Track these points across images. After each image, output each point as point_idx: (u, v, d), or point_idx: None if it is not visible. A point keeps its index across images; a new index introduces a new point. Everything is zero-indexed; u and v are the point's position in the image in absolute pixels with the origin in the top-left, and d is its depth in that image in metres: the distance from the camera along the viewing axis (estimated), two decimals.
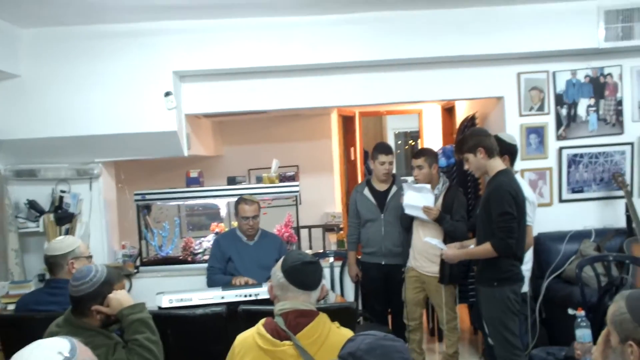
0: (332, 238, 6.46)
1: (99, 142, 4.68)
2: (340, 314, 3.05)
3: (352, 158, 7.83)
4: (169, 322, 3.23)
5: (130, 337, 2.47)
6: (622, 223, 4.79)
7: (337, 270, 5.02)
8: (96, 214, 4.96)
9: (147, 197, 5.05)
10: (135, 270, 4.95)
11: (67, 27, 4.50)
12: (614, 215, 4.97)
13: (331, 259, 5.05)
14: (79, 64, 4.53)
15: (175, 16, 4.45)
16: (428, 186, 4.28)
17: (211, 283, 4.26)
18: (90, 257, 3.40)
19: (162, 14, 4.37)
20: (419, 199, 4.27)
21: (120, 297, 2.51)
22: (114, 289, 2.52)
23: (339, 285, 5.01)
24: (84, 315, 2.48)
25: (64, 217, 4.73)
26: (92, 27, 4.51)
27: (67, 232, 4.69)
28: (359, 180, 7.29)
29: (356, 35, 4.67)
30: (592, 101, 4.93)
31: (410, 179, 4.73)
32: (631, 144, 4.96)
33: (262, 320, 2.29)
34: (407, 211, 4.38)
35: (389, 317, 4.91)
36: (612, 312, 1.76)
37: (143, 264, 5.06)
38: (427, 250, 4.31)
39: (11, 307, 3.89)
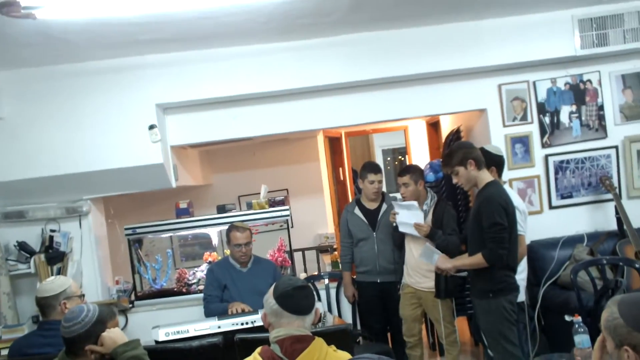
0: (327, 259, 6.44)
1: (86, 179, 4.66)
2: (337, 336, 3.05)
3: (342, 178, 7.84)
4: (166, 356, 3.21)
5: None
6: (613, 226, 4.82)
7: (333, 292, 5.00)
8: (87, 251, 4.93)
9: (138, 230, 5.02)
10: (131, 305, 4.91)
11: (48, 67, 4.50)
12: (604, 219, 4.99)
13: (326, 281, 5.04)
14: (62, 103, 4.53)
15: (155, 50, 4.47)
16: (415, 203, 4.29)
17: (209, 312, 4.23)
18: (82, 296, 3.37)
19: (141, 48, 4.39)
20: (409, 216, 4.28)
21: (113, 335, 2.49)
22: (107, 327, 2.50)
23: (336, 306, 4.99)
24: (78, 355, 2.45)
25: (55, 257, 4.69)
26: (72, 66, 4.51)
27: (59, 272, 4.65)
28: (350, 200, 7.29)
29: (337, 58, 4.70)
30: (574, 108, 4.99)
31: (398, 195, 4.74)
32: (615, 147, 5.01)
33: (259, 349, 2.27)
34: (401, 229, 4.39)
35: (388, 334, 4.89)
36: (605, 318, 1.76)
37: (138, 298, 5.02)
38: (421, 266, 4.31)
39: (5, 352, 3.83)
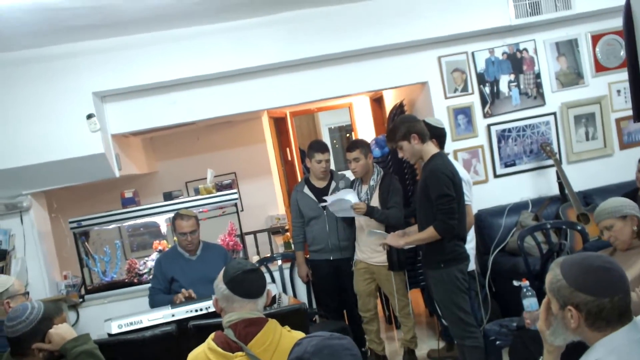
0: (279, 240, 6.42)
1: (25, 173, 4.51)
2: (292, 317, 3.05)
3: (289, 158, 7.82)
4: (118, 349, 3.15)
5: None
6: (555, 191, 4.96)
7: (286, 272, 5.00)
8: (31, 248, 4.77)
9: (83, 223, 4.90)
10: (81, 300, 4.81)
11: None
12: (547, 184, 5.13)
13: (279, 262, 5.03)
14: None
15: (88, 36, 4.33)
16: (344, 190, 4.31)
17: (153, 304, 4.17)
18: (27, 293, 3.27)
19: (73, 35, 4.24)
20: (343, 203, 4.29)
21: (61, 332, 2.42)
22: (54, 324, 2.43)
23: (291, 286, 4.99)
24: (24, 355, 2.38)
25: None
26: (1, 55, 4.32)
27: (2, 271, 4.50)
28: (299, 180, 7.28)
29: (276, 37, 4.66)
30: (512, 77, 5.08)
31: (347, 172, 4.75)
32: (553, 113, 5.14)
33: (212, 335, 2.25)
34: (340, 215, 4.42)
35: (344, 311, 4.93)
36: (549, 280, 1.80)
37: (88, 292, 4.91)
38: (372, 240, 4.34)
39: None
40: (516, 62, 5.07)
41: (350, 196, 4.27)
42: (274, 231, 7.09)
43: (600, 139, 5.19)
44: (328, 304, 4.76)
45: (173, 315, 3.62)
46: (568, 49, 5.11)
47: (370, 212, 4.21)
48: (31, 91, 4.39)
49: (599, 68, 5.15)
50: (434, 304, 4.17)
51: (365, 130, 7.89)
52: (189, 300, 3.91)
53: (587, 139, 5.18)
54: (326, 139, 10.67)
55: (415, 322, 4.61)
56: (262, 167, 7.58)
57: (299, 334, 2.23)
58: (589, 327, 1.71)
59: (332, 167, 4.90)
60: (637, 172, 4.14)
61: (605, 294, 1.68)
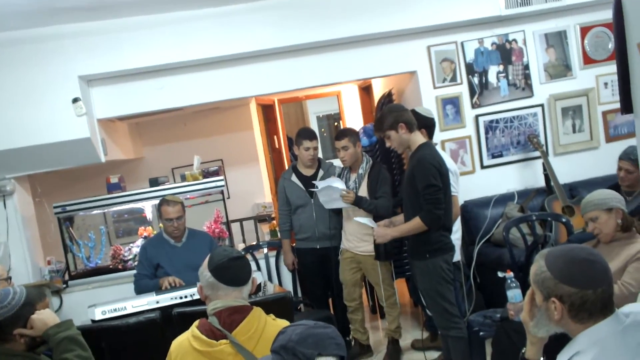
0: (265, 228, 6.42)
1: (8, 156, 4.45)
2: (277, 305, 3.05)
3: (277, 146, 7.79)
4: (102, 335, 3.14)
5: (59, 357, 2.36)
6: (541, 182, 4.97)
7: (272, 260, 4.99)
8: (15, 233, 4.73)
9: (68, 208, 4.86)
10: (64, 285, 4.78)
11: None
12: (533, 176, 5.15)
13: (265, 250, 5.02)
14: None
15: (74, 19, 4.27)
16: (332, 178, 4.30)
17: (139, 290, 4.14)
18: (9, 279, 3.25)
19: (59, 17, 4.17)
20: (332, 192, 4.28)
21: (44, 317, 2.40)
22: (36, 309, 2.40)
23: (276, 274, 4.99)
24: (6, 341, 2.35)
25: None
26: None
27: None
28: (286, 167, 7.26)
29: (266, 23, 4.62)
30: (501, 67, 5.08)
31: (335, 161, 4.74)
32: (541, 105, 5.15)
33: (196, 322, 2.24)
34: (328, 206, 4.40)
35: (329, 300, 4.94)
36: (534, 272, 1.81)
37: (72, 277, 4.89)
38: (359, 230, 4.34)
39: None
40: (505, 52, 5.07)
41: (338, 183, 4.26)
42: (260, 219, 7.08)
43: (587, 132, 5.21)
44: (313, 293, 4.76)
45: (157, 302, 3.61)
46: (557, 40, 5.11)
47: (358, 201, 4.20)
48: (16, 73, 4.33)
49: (587, 60, 5.15)
50: (419, 294, 4.18)
51: (354, 119, 7.88)
52: (174, 287, 3.89)
53: (574, 132, 5.20)
54: (314, 127, 10.63)
55: (400, 312, 4.62)
56: (249, 154, 7.55)
57: (284, 322, 2.23)
58: (572, 318, 1.72)
59: (320, 155, 4.88)
60: (617, 170, 4.14)
61: (589, 286, 1.69)
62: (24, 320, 2.37)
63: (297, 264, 4.79)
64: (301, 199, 4.64)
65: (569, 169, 5.06)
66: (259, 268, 4.89)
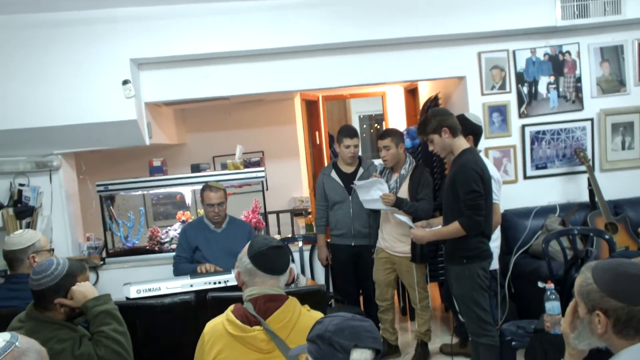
0: (301, 222, 6.44)
1: (57, 133, 4.56)
2: (311, 297, 3.05)
3: (318, 142, 7.80)
4: (137, 312, 3.17)
5: (96, 330, 2.41)
6: (585, 197, 4.88)
7: (306, 254, 5.01)
8: (58, 207, 4.85)
9: (110, 187, 4.94)
10: (102, 262, 4.87)
11: (16, 16, 4.34)
12: (577, 190, 5.05)
13: (300, 243, 5.04)
14: (32, 54, 4.39)
15: (128, 3, 4.35)
16: (376, 178, 4.28)
17: (177, 272, 4.21)
18: (51, 250, 3.32)
19: (113, 0, 4.25)
20: (372, 193, 4.26)
21: (84, 289, 2.46)
22: (77, 281, 2.46)
23: (309, 268, 5.00)
24: (47, 309, 2.42)
25: (23, 211, 4.61)
26: (41, 15, 4.36)
27: (28, 226, 4.57)
28: (325, 164, 7.27)
29: (317, 18, 4.63)
30: (552, 79, 4.99)
31: (377, 161, 4.73)
32: (591, 119, 5.05)
33: (231, 307, 2.26)
34: (367, 206, 4.39)
35: (361, 298, 4.93)
36: (579, 284, 1.77)
37: (109, 255, 4.97)
38: (397, 230, 4.32)
39: None
40: (557, 64, 4.98)
41: (381, 186, 4.24)
42: (296, 213, 7.11)
43: (637, 149, 5.09)
44: (345, 289, 4.76)
45: (191, 286, 3.64)
46: (612, 55, 5.00)
47: (399, 203, 4.18)
48: (70, 53, 4.43)
49: None
50: (451, 299, 4.14)
51: (397, 121, 7.83)
52: (214, 272, 3.93)
53: (623, 148, 5.08)
54: (355, 126, 10.61)
55: (431, 315, 4.59)
56: (290, 148, 7.59)
57: (318, 314, 2.23)
58: (617, 334, 1.68)
59: (360, 153, 4.87)
60: None
61: (637, 302, 1.64)
62: (64, 290, 2.43)
63: (330, 260, 4.80)
64: (339, 195, 4.64)
65: (615, 186, 4.95)
66: (293, 260, 4.91)
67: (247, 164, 5.14)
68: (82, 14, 4.41)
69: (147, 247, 5.02)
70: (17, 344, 1.52)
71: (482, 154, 4.27)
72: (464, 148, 3.61)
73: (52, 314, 2.42)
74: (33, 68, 4.41)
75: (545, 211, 4.83)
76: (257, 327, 2.15)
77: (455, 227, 3.51)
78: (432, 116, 3.67)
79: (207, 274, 3.85)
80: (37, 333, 2.21)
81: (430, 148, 3.71)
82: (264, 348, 2.13)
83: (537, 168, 5.07)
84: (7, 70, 4.39)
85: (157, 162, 5.15)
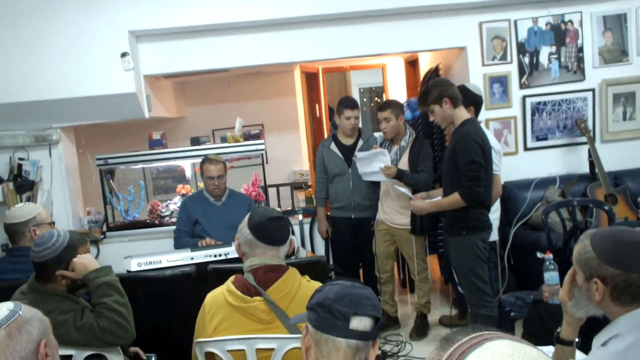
0: (301, 196, 6.45)
1: (56, 106, 4.54)
2: (311, 268, 3.06)
3: (318, 115, 7.78)
4: (138, 284, 3.20)
5: (97, 301, 2.43)
6: (585, 169, 4.87)
7: (306, 227, 5.03)
8: (58, 181, 4.85)
9: (110, 161, 4.93)
10: (102, 236, 4.89)
11: None
12: (577, 161, 5.04)
13: (300, 216, 5.05)
14: (28, 25, 4.35)
15: None
16: (378, 149, 4.26)
17: (178, 246, 4.22)
18: (52, 223, 3.34)
19: None
20: (372, 165, 4.25)
21: (85, 261, 2.46)
22: (78, 253, 2.47)
23: (309, 241, 5.02)
24: (48, 281, 2.43)
25: (24, 185, 4.61)
26: None
27: (29, 201, 4.58)
28: (326, 137, 7.25)
29: None
30: (554, 49, 4.95)
31: (377, 134, 4.71)
32: (592, 90, 5.01)
33: (232, 278, 2.27)
34: (366, 179, 4.38)
35: (361, 270, 4.95)
36: (577, 251, 1.77)
37: (109, 229, 4.99)
38: (396, 202, 4.33)
39: None
40: (559, 33, 4.93)
41: (383, 157, 4.22)
42: (296, 186, 7.11)
43: (638, 120, 5.06)
44: (345, 262, 4.78)
45: (192, 259, 3.66)
46: (615, 24, 4.95)
47: (400, 175, 4.17)
48: (68, 23, 4.39)
49: None
50: (451, 271, 4.17)
51: (397, 93, 7.80)
52: (215, 245, 3.95)
53: (625, 119, 5.06)
54: (356, 99, 10.56)
55: (430, 288, 4.62)
56: (290, 121, 7.56)
57: (318, 284, 2.23)
58: (614, 301, 1.69)
59: (360, 126, 4.85)
60: None
61: (634, 269, 1.65)
62: (66, 262, 2.44)
63: (330, 233, 4.81)
64: (339, 167, 4.63)
65: (616, 157, 4.94)
66: (293, 233, 4.91)
67: (247, 137, 5.12)
68: None
69: (148, 221, 5.04)
70: (20, 312, 1.53)
71: (482, 125, 4.26)
72: (465, 119, 3.59)
73: (53, 285, 2.43)
74: (30, 40, 4.37)
75: (545, 183, 4.83)
76: (258, 298, 2.16)
77: (455, 198, 3.50)
78: (433, 86, 3.64)
79: (207, 247, 3.86)
80: (39, 305, 2.19)
81: (431, 118, 3.69)
82: (264, 318, 2.14)
83: (538, 139, 5.05)
84: (3, 43, 4.35)
85: (156, 136, 5.14)
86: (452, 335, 0.96)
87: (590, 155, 4.73)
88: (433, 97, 3.58)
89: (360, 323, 1.50)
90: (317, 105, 7.72)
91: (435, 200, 3.80)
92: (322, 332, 1.51)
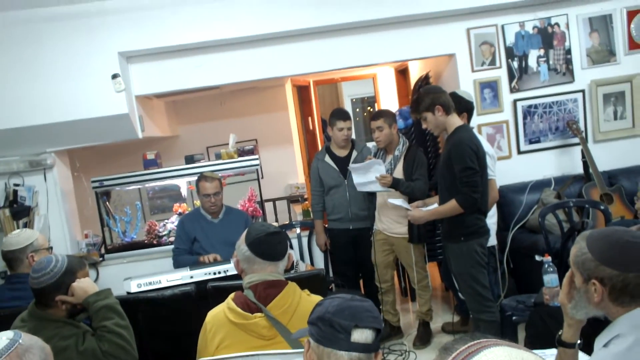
0: (297, 209, 6.45)
1: (49, 131, 4.54)
2: (311, 282, 3.07)
3: (311, 128, 7.80)
4: (139, 306, 3.19)
5: (98, 325, 2.42)
6: (579, 169, 4.89)
7: (304, 240, 5.02)
8: (54, 205, 4.84)
9: (105, 183, 4.93)
10: (101, 259, 4.87)
11: (1, 13, 4.30)
12: (571, 163, 5.06)
13: (298, 230, 5.05)
14: (18, 52, 4.36)
15: None
16: (373, 159, 4.27)
17: (177, 264, 4.21)
18: (50, 248, 3.33)
19: None
20: (367, 175, 4.26)
21: (84, 285, 2.46)
22: (77, 277, 2.47)
23: (308, 255, 5.01)
24: (48, 307, 2.42)
25: (20, 211, 4.60)
26: (29, 11, 4.33)
27: (26, 226, 4.57)
28: (320, 149, 7.26)
29: (303, 2, 4.60)
30: (542, 52, 4.98)
31: (370, 144, 4.72)
32: (582, 91, 5.05)
33: (232, 295, 2.27)
34: (361, 189, 4.37)
35: (361, 281, 4.95)
36: (574, 253, 1.78)
37: (108, 251, 4.97)
38: (393, 212, 4.33)
39: None
40: (547, 36, 4.97)
41: (378, 167, 4.23)
42: (292, 200, 7.12)
43: (629, 119, 5.09)
44: (345, 273, 4.77)
45: (191, 277, 3.66)
46: (601, 24, 4.99)
47: (395, 184, 4.18)
48: (58, 49, 4.40)
49: (633, 45, 5.02)
50: (451, 278, 4.17)
51: (389, 102, 7.83)
52: (214, 262, 3.94)
53: (615, 118, 5.09)
54: (348, 109, 10.60)
55: (431, 295, 4.61)
56: (284, 135, 7.58)
57: (318, 298, 2.23)
58: (613, 301, 1.70)
59: (353, 136, 4.86)
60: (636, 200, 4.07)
61: (631, 269, 1.66)
62: (65, 287, 2.43)
63: (329, 245, 4.81)
64: (334, 179, 4.64)
65: (609, 157, 4.97)
66: (291, 247, 4.91)
67: (241, 153, 5.13)
68: (69, 9, 4.37)
69: (146, 241, 5.03)
70: (20, 341, 1.53)
71: (475, 131, 4.28)
72: (458, 125, 3.60)
73: (54, 311, 2.42)
74: (21, 66, 4.37)
75: (540, 185, 4.85)
76: (258, 314, 2.16)
77: (452, 205, 3.51)
78: (425, 94, 3.65)
79: (207, 264, 3.86)
80: (40, 331, 2.21)
81: (424, 126, 3.70)
82: (265, 334, 2.14)
83: (531, 142, 5.07)
84: None
85: (150, 155, 5.14)
86: (450, 344, 0.97)
87: (583, 156, 4.75)
88: (425, 104, 3.60)
89: (361, 335, 1.51)
90: (309, 118, 7.75)
91: (432, 207, 3.81)
92: (324, 346, 1.51)
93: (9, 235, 3.31)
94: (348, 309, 1.54)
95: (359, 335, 1.50)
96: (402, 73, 6.99)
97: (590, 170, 4.66)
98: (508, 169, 4.96)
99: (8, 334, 1.54)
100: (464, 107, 4.01)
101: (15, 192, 4.66)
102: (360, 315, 1.53)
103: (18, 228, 4.50)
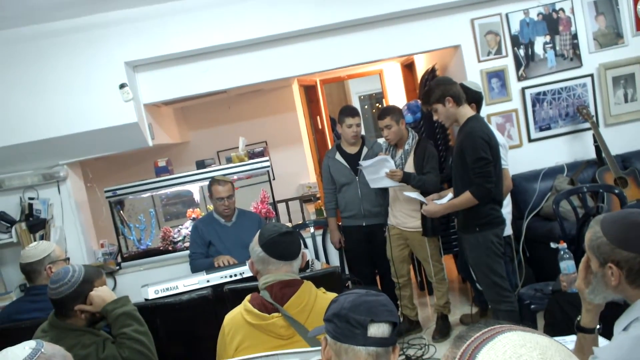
0: (310, 208, 6.45)
1: (60, 143, 4.58)
2: (326, 280, 3.07)
3: (320, 127, 7.80)
4: (157, 312, 3.21)
5: (118, 332, 2.44)
6: (591, 154, 4.86)
7: (319, 239, 5.03)
8: (69, 217, 4.88)
9: (118, 192, 4.96)
10: (118, 267, 4.91)
11: (7, 31, 4.35)
12: (583, 148, 5.03)
13: (312, 229, 5.05)
14: (26, 67, 4.40)
15: (118, 6, 4.35)
16: (382, 156, 4.27)
17: (194, 269, 4.24)
18: (67, 259, 3.35)
19: (103, 5, 4.26)
20: (379, 171, 4.25)
21: (102, 294, 2.48)
22: (94, 286, 2.49)
23: (323, 253, 5.02)
24: (68, 316, 2.44)
25: (36, 224, 4.65)
26: (35, 27, 4.37)
27: (42, 239, 4.61)
28: (330, 148, 7.26)
29: (306, 1, 4.60)
30: (548, 38, 4.95)
31: (381, 140, 4.72)
32: (591, 75, 5.01)
33: (248, 297, 2.28)
34: (374, 186, 4.38)
35: (377, 277, 4.94)
36: (589, 238, 1.77)
37: (124, 259, 5.01)
38: (406, 206, 4.33)
39: None
40: (552, 22, 4.94)
41: (388, 163, 4.22)
42: (305, 199, 7.12)
43: None
44: (361, 270, 4.76)
45: (208, 281, 3.68)
46: (607, 7, 4.95)
47: (407, 178, 4.17)
48: (65, 62, 4.44)
49: None
50: (467, 270, 4.15)
51: (397, 97, 7.81)
52: (227, 265, 3.96)
53: (626, 101, 5.05)
54: (356, 106, 10.58)
55: (448, 288, 4.60)
56: (293, 135, 7.59)
57: (334, 295, 2.23)
58: (630, 284, 1.69)
59: (363, 133, 4.86)
60: None
61: None
62: (83, 296, 2.45)
63: (343, 242, 4.81)
64: (346, 177, 4.64)
65: (621, 140, 4.93)
66: (306, 246, 4.92)
67: (252, 155, 5.14)
68: (73, 22, 4.41)
69: (161, 248, 5.06)
70: (42, 350, 1.55)
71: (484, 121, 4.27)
72: (469, 116, 3.58)
73: (73, 320, 2.45)
74: (30, 82, 4.42)
75: (553, 172, 4.82)
76: (276, 314, 2.17)
77: (466, 197, 3.50)
78: (435, 85, 3.64)
79: (223, 267, 3.88)
80: (61, 341, 2.23)
81: (435, 118, 3.69)
82: (284, 334, 2.15)
83: (541, 130, 5.04)
84: (5, 86, 4.41)
85: (162, 163, 5.17)
86: (465, 332, 0.97)
87: (595, 140, 4.72)
88: (436, 96, 3.58)
89: (378, 330, 1.51)
90: (318, 117, 7.74)
91: (446, 199, 3.80)
92: (341, 342, 1.51)
93: (26, 248, 3.33)
94: (363, 304, 1.54)
95: (375, 329, 1.51)
96: (409, 67, 6.97)
97: (603, 155, 4.63)
98: (519, 157, 4.94)
99: (30, 344, 1.57)
100: (472, 97, 3.99)
101: (30, 205, 4.71)
102: (375, 309, 1.53)
103: (35, 241, 4.54)
